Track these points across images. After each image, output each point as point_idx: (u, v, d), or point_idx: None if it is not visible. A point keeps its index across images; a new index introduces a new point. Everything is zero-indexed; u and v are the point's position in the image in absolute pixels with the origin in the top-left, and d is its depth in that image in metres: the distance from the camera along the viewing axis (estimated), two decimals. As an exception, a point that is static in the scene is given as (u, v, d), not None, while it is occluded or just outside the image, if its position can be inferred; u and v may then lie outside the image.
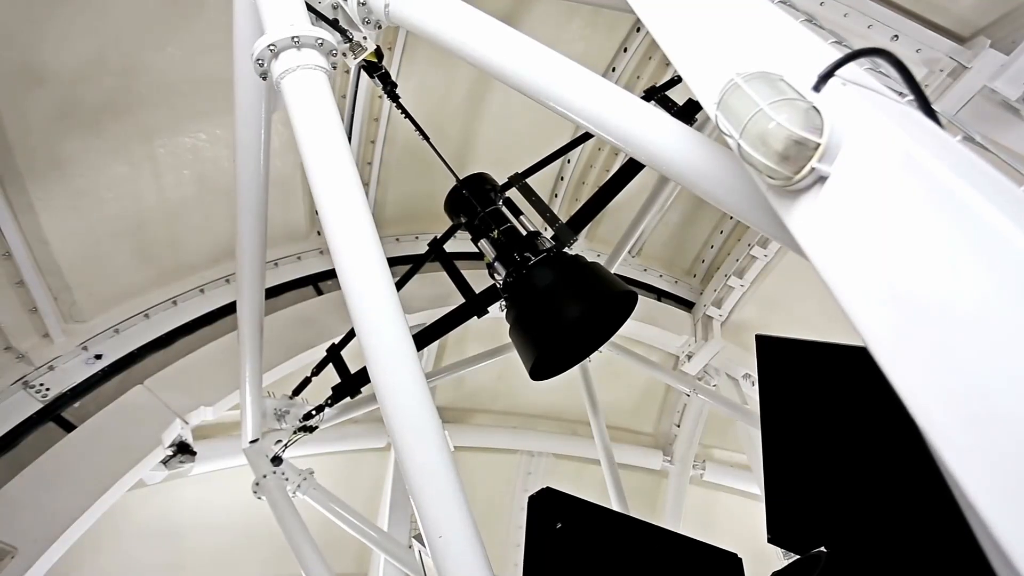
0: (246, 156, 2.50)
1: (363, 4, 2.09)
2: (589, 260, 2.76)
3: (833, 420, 2.00)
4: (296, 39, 1.76)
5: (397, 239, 4.99)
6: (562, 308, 2.44)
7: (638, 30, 4.59)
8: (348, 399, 3.42)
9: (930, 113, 0.91)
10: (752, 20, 1.21)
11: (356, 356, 3.41)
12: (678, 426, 6.05)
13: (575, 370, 5.11)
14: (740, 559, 2.41)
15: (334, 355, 3.40)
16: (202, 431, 3.84)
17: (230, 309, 4.15)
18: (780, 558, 2.12)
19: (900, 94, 1.01)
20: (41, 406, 3.29)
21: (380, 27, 2.12)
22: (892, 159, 0.70)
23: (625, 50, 4.68)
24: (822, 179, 0.84)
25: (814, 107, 0.87)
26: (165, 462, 3.60)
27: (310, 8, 1.99)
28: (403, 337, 1.52)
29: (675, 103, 3.68)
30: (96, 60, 3.04)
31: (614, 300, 2.71)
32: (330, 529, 3.68)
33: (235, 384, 3.75)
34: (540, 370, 2.69)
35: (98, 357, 3.57)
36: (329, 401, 3.43)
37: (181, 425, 3.53)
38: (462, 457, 5.73)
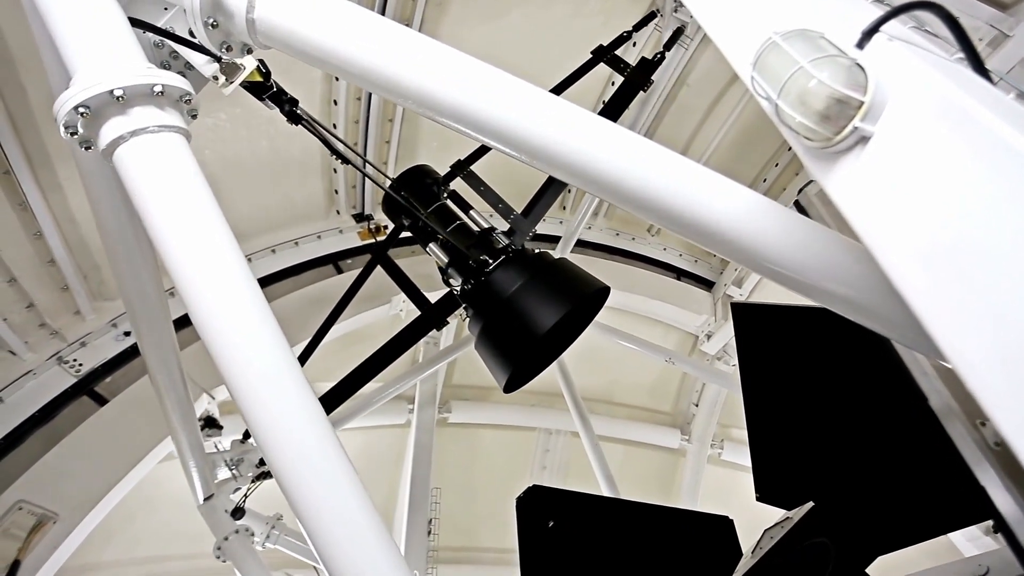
0: (107, 226, 1.87)
1: (215, 26, 1.40)
2: (556, 257, 2.46)
3: (809, 378, 2.05)
4: (118, 93, 1.18)
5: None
6: (534, 320, 2.17)
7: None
8: None
9: (982, 71, 0.87)
10: (788, -21, 1.16)
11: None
12: (696, 405, 6.04)
13: (588, 347, 5.13)
14: (731, 520, 2.45)
15: None
16: (228, 406, 3.93)
17: (252, 288, 4.22)
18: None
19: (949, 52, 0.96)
20: (75, 380, 3.40)
21: (250, 51, 1.55)
22: (946, 115, 0.67)
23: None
24: (864, 139, 0.81)
25: (857, 64, 0.84)
26: (194, 435, 3.71)
27: (140, 25, 1.39)
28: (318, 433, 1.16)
29: (627, 63, 3.45)
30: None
31: (587, 301, 2.44)
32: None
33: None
34: (514, 384, 2.47)
35: (127, 334, 3.66)
36: None
37: (208, 400, 3.63)
38: (481, 434, 5.81)
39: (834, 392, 1.98)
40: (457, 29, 4.12)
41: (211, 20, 1.41)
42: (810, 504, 1.97)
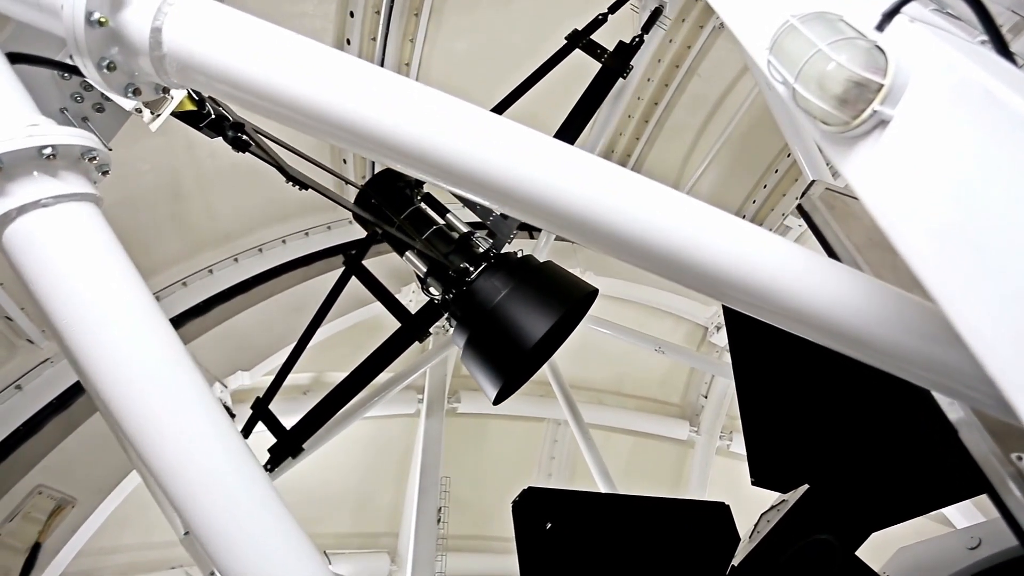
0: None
1: (112, 70, 1.10)
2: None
3: (799, 360, 2.06)
4: None
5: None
6: (523, 331, 2.10)
7: (671, -11, 4.38)
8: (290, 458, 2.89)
9: (1006, 53, 0.85)
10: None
11: (290, 412, 3.04)
12: (705, 397, 6.03)
13: (596, 340, 5.14)
14: (727, 506, 2.47)
15: (262, 411, 2.83)
16: (240, 395, 3.98)
17: (264, 278, 4.27)
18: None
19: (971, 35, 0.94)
20: (91, 369, 3.45)
21: (167, 90, 1.30)
22: (970, 97, 0.66)
23: (658, 11, 4.50)
24: (883, 123, 0.80)
25: (877, 46, 0.82)
26: (207, 423, 3.76)
27: (25, 60, 1.15)
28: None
29: (604, 48, 3.30)
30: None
31: (577, 306, 2.38)
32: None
33: (271, 349, 3.87)
34: (504, 395, 2.41)
35: (141, 323, 3.71)
36: (268, 466, 2.96)
37: (220, 389, 3.68)
38: (490, 424, 5.84)
39: (824, 373, 1.99)
40: (463, 17, 4.10)
41: (106, 63, 1.07)
42: (805, 486, 1.98)
